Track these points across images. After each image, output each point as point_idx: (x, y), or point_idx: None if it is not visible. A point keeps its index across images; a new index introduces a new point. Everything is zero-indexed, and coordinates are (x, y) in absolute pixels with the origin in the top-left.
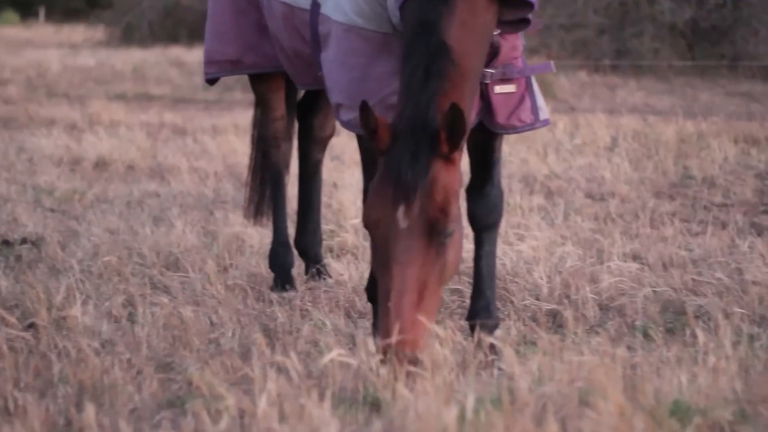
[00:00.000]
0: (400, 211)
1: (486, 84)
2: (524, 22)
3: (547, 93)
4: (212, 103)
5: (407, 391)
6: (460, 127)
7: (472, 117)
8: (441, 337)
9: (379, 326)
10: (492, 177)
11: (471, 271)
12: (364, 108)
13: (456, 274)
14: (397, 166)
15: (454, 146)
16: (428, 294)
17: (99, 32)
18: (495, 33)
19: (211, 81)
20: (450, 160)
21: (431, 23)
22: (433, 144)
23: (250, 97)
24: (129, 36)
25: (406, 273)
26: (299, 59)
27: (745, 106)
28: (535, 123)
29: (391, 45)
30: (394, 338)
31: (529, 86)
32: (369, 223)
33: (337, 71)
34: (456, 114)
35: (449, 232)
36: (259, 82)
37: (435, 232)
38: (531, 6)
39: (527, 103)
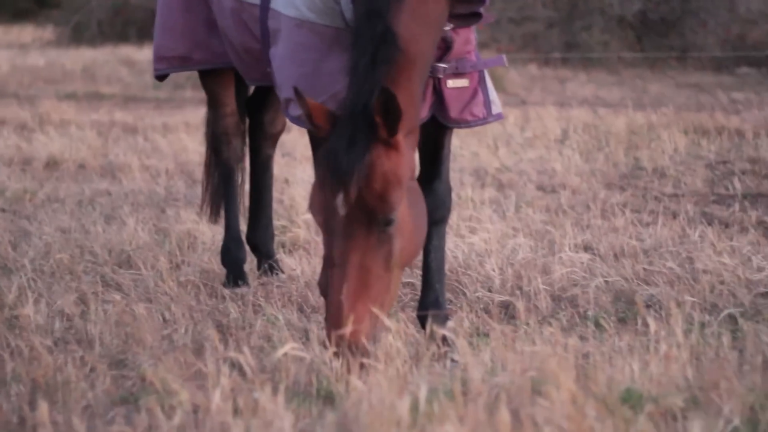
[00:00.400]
0: (338, 198)
1: (439, 78)
2: (476, 16)
3: (498, 87)
4: (163, 102)
5: (361, 384)
6: (394, 110)
7: (424, 109)
8: (393, 329)
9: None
10: (440, 172)
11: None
12: (298, 94)
13: (413, 260)
14: (334, 152)
15: (392, 131)
16: (374, 281)
17: (48, 32)
18: (447, 27)
19: (161, 77)
20: (392, 146)
21: (378, 11)
22: (371, 129)
23: (201, 95)
24: (78, 35)
25: (346, 260)
26: (248, 55)
27: (695, 98)
28: (488, 117)
29: (343, 40)
30: (335, 327)
31: (482, 80)
32: (312, 210)
33: (287, 66)
34: (388, 97)
35: (390, 218)
36: (208, 78)
37: (374, 219)
38: (482, 0)
39: (480, 97)
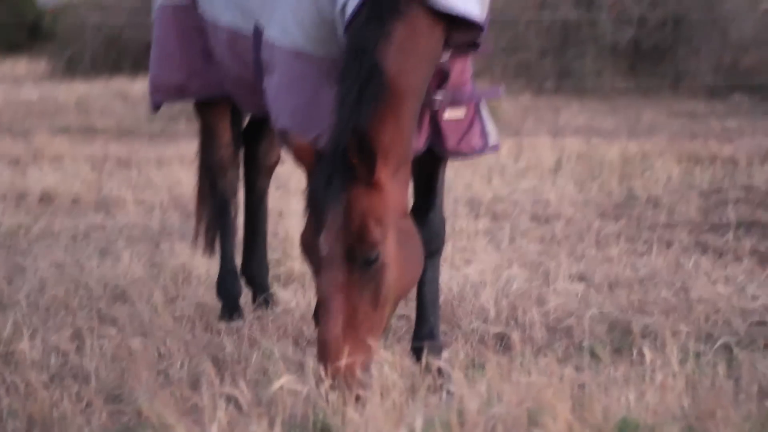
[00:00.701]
0: (320, 237)
1: (435, 109)
2: (474, 46)
3: (491, 116)
4: (157, 135)
5: (357, 416)
6: (368, 151)
7: (420, 140)
8: (389, 361)
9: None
10: (434, 203)
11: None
12: (284, 132)
13: (405, 296)
14: (314, 191)
15: (370, 171)
16: (361, 318)
17: (42, 65)
18: (445, 59)
19: (157, 107)
20: (373, 185)
21: (366, 47)
22: (350, 169)
23: (195, 127)
24: (72, 68)
25: (330, 299)
26: (244, 85)
27: (688, 126)
28: (485, 148)
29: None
30: (324, 362)
31: (478, 111)
32: (302, 249)
33: (282, 97)
34: (361, 138)
35: (370, 258)
36: (204, 109)
37: (354, 258)
38: (481, 29)
39: (477, 127)
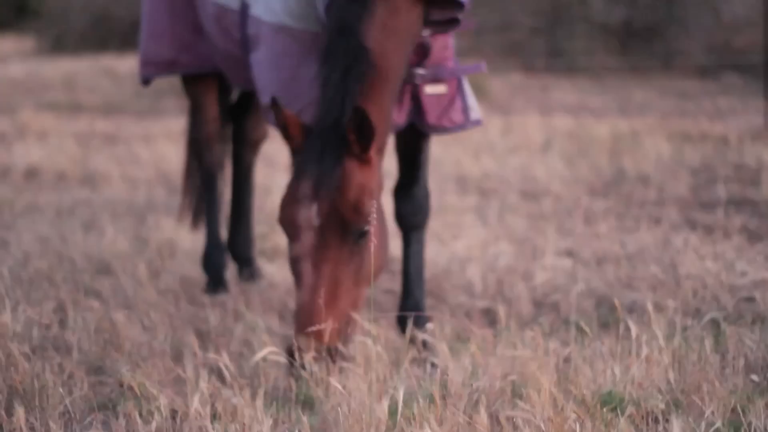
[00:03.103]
0: (308, 210)
1: (417, 84)
2: (454, 22)
3: (481, 95)
4: (144, 112)
5: (340, 388)
6: (368, 129)
7: (401, 115)
8: (374, 333)
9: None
10: (418, 178)
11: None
12: (275, 104)
13: (380, 275)
14: (306, 165)
15: (365, 148)
16: (344, 290)
17: (28, 42)
18: (426, 34)
19: (147, 81)
20: (364, 161)
21: (350, 27)
22: (343, 144)
23: (183, 104)
24: (59, 45)
25: (316, 270)
26: (231, 60)
27: (679, 105)
28: (466, 123)
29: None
30: (303, 329)
31: (459, 87)
32: (282, 221)
33: (267, 72)
34: (362, 116)
35: (363, 231)
36: (192, 83)
37: (346, 230)
38: (461, 6)
39: (458, 103)
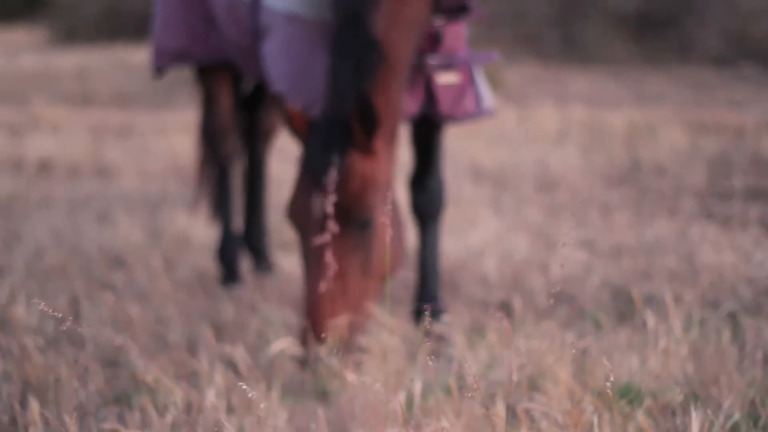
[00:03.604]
0: (313, 203)
1: (429, 74)
2: (464, 10)
3: (496, 86)
4: (157, 103)
5: (356, 380)
6: (371, 118)
7: (413, 105)
8: (389, 325)
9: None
10: (433, 169)
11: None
12: (278, 96)
13: (398, 267)
14: (310, 157)
15: (369, 137)
16: (353, 282)
17: (40, 33)
18: (438, 23)
19: (160, 72)
20: (370, 152)
21: (359, 17)
22: (347, 135)
23: (195, 96)
24: (71, 37)
25: (322, 263)
26: (243, 51)
27: (695, 95)
28: (479, 112)
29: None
30: (313, 320)
31: (472, 75)
32: (289, 215)
33: (279, 62)
34: (366, 105)
35: (366, 222)
36: (204, 75)
37: (349, 221)
38: None
39: (470, 92)
